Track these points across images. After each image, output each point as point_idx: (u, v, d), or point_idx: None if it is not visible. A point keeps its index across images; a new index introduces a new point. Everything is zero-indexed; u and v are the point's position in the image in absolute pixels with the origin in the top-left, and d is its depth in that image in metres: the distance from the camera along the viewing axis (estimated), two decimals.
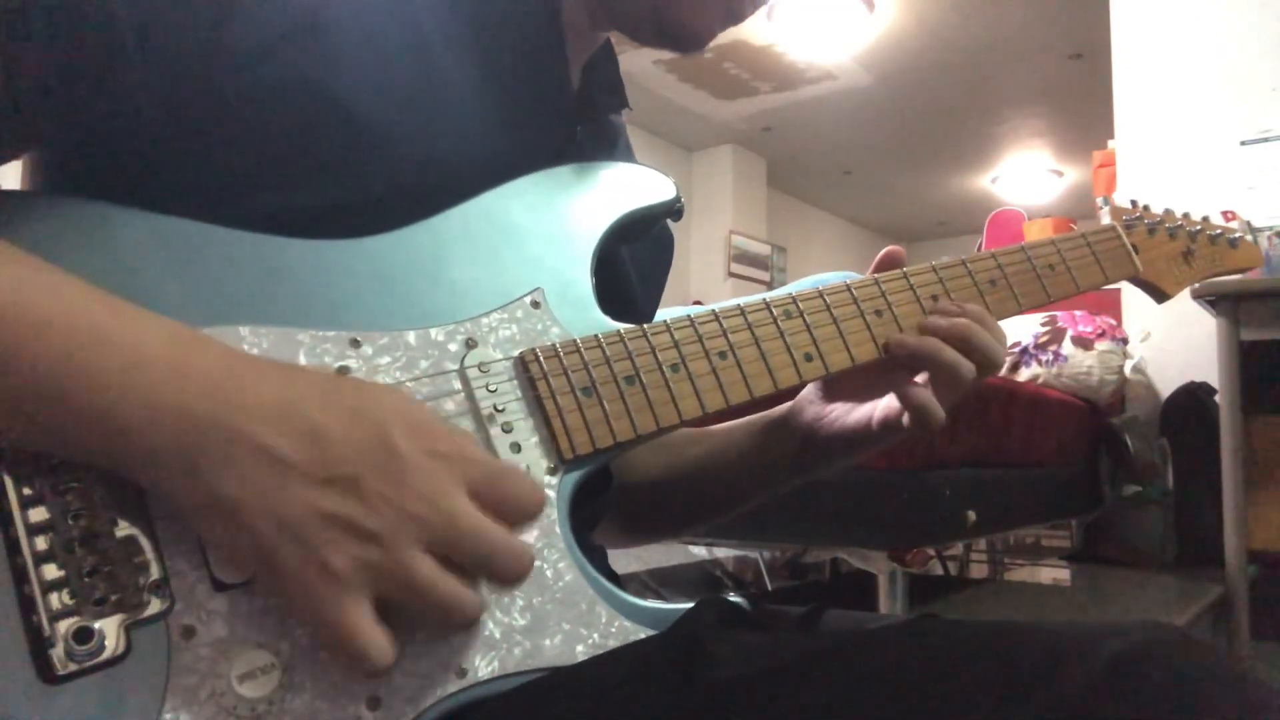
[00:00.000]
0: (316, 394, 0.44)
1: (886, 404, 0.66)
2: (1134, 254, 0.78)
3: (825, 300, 0.62)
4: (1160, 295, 0.81)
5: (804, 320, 0.61)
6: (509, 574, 0.45)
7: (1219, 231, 0.85)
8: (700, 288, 7.37)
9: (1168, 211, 0.83)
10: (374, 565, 0.41)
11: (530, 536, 0.51)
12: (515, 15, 0.63)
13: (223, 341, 0.46)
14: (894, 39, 5.68)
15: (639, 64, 5.88)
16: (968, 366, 0.63)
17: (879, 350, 0.63)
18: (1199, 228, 0.84)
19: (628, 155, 0.78)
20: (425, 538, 0.43)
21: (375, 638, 0.42)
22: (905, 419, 0.64)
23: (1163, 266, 0.80)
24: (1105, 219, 0.80)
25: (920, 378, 0.65)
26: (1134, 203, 0.82)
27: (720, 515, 0.78)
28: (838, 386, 0.69)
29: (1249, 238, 0.87)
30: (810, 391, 0.71)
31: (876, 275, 0.66)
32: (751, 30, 5.37)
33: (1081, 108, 6.24)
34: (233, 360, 0.44)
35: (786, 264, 8.36)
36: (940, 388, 0.63)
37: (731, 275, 7.58)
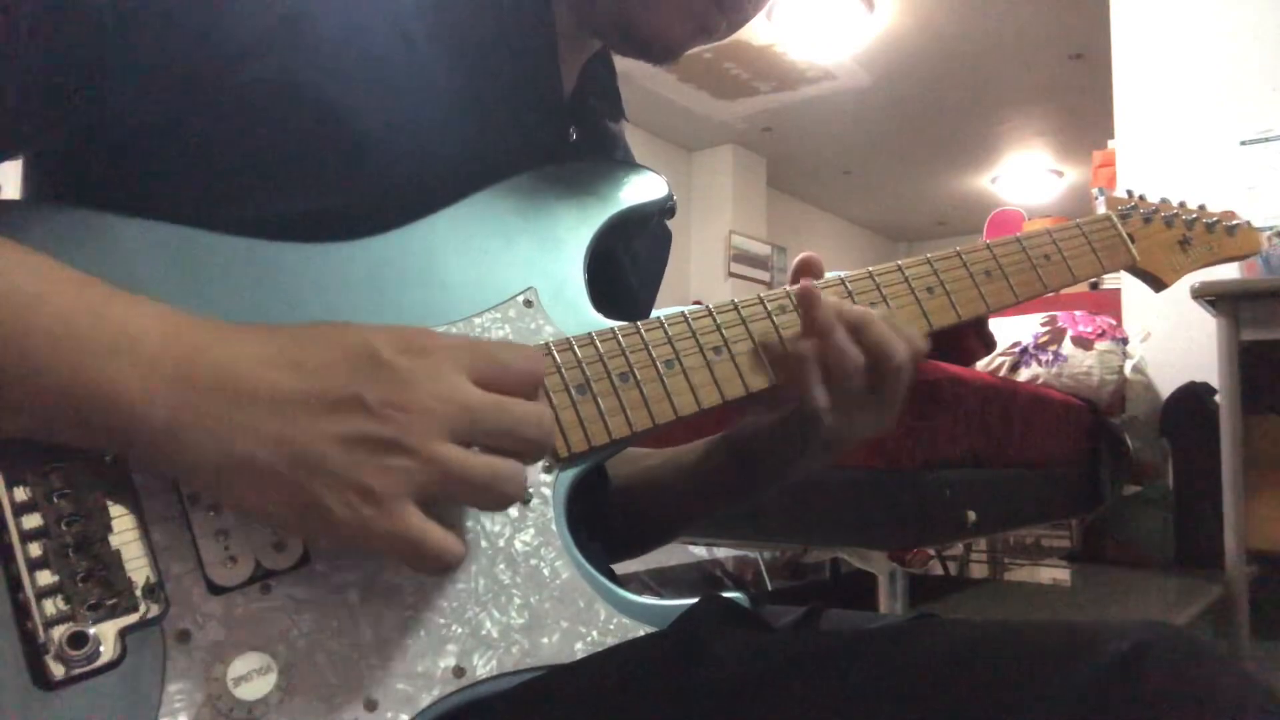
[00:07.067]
0: (297, 336, 0.44)
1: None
2: (1130, 243, 0.77)
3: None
4: (1158, 284, 0.81)
5: (799, 315, 0.61)
6: (534, 438, 0.46)
7: (1216, 219, 0.84)
8: (700, 288, 7.37)
9: (1163, 200, 0.82)
10: (406, 470, 0.42)
11: (527, 535, 0.51)
12: (504, 13, 0.62)
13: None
14: (894, 39, 5.67)
15: (639, 64, 5.84)
16: (853, 353, 0.58)
17: None
18: (1195, 215, 0.83)
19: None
20: (443, 429, 0.43)
21: (439, 536, 0.42)
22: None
23: (1159, 255, 0.80)
24: (1101, 209, 0.80)
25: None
26: (1129, 192, 0.82)
27: (673, 526, 0.78)
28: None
29: (1246, 224, 0.86)
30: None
31: (871, 269, 0.65)
32: (751, 30, 5.36)
33: (1081, 108, 6.23)
34: (220, 330, 0.44)
35: (786, 264, 8.35)
36: (831, 377, 0.58)
37: (731, 275, 7.57)
